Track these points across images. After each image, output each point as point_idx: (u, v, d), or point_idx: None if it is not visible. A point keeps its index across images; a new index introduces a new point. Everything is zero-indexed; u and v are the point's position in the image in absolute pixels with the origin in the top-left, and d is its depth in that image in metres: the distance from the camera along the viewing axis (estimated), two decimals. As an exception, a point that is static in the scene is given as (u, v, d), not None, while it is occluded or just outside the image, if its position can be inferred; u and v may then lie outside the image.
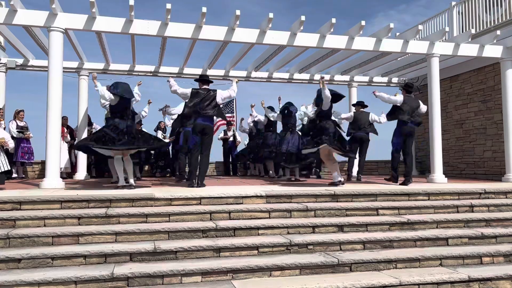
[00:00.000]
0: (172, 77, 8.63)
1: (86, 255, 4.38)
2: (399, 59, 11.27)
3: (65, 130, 10.49)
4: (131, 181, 7.04)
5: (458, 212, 6.21)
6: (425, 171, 12.53)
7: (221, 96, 7.42)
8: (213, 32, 7.82)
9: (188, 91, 7.36)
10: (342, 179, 7.46)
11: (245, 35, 7.96)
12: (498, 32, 8.77)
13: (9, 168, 7.40)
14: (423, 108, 8.08)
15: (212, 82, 7.65)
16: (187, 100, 7.41)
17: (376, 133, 9.64)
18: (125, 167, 7.08)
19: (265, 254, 4.76)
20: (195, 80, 7.72)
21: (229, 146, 12.27)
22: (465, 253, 4.99)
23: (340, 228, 5.42)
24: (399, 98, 7.93)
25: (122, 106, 7.06)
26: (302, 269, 4.50)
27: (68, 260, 4.35)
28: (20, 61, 10.42)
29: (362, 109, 9.61)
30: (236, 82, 7.75)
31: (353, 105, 10.20)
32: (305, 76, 12.05)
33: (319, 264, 4.54)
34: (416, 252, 4.94)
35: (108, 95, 7.09)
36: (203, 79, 7.48)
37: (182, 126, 9.35)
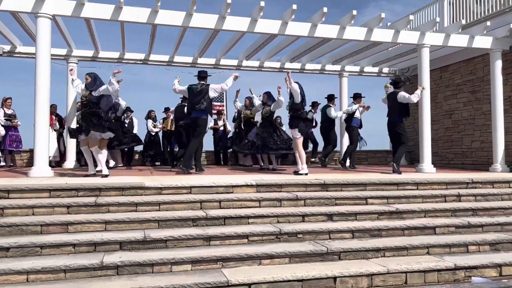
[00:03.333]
0: (165, 67, 8.97)
1: (75, 244, 4.37)
2: (389, 49, 11.27)
3: (54, 118, 10.38)
4: (99, 168, 7.24)
5: (445, 201, 6.29)
6: (414, 161, 12.65)
7: (213, 89, 7.95)
8: (204, 20, 7.75)
9: (185, 88, 8.09)
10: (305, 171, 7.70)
11: (236, 23, 7.90)
12: (488, 23, 8.81)
13: None
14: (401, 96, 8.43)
15: (206, 77, 8.17)
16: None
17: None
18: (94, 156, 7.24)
19: (255, 243, 4.79)
20: (194, 76, 8.27)
21: (219, 135, 12.23)
22: (452, 241, 5.07)
23: (330, 217, 5.47)
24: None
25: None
26: (292, 257, 4.54)
27: (57, 248, 4.33)
28: (7, 47, 10.22)
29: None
30: (234, 78, 7.99)
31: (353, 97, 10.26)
32: (297, 65, 12.01)
33: (308, 252, 4.59)
34: (404, 241, 5.00)
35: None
36: (199, 76, 8.11)
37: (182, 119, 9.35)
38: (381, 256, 4.79)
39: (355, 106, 9.90)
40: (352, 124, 9.92)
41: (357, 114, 9.93)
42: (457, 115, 11.19)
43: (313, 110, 10.92)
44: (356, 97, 10.06)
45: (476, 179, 6.90)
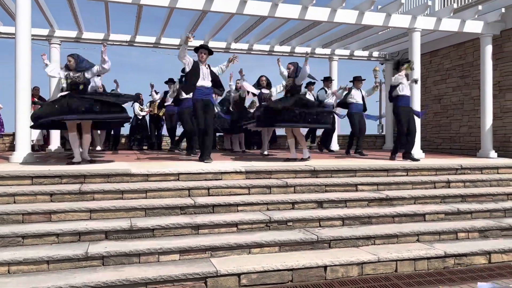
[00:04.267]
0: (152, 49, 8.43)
1: (58, 234, 4.23)
2: (380, 33, 11.14)
3: (37, 101, 10.08)
4: (86, 155, 6.70)
5: (435, 188, 6.28)
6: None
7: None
8: (191, 1, 7.50)
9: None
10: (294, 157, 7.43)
11: (225, 4, 7.67)
12: (480, 7, 8.71)
13: None
14: None
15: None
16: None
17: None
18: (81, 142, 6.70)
19: (244, 231, 4.71)
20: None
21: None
22: (442, 229, 5.06)
23: (320, 204, 5.40)
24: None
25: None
26: (282, 246, 4.48)
27: (39, 238, 4.19)
28: (-14, 27, 9.84)
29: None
30: (231, 61, 7.49)
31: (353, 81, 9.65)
32: (286, 48, 11.81)
33: (298, 241, 4.52)
34: (394, 228, 4.97)
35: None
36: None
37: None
38: (372, 244, 4.76)
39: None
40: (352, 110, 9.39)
41: (352, 99, 9.42)
42: (446, 100, 11.18)
43: (309, 92, 10.64)
44: (356, 80, 9.44)
45: (465, 165, 6.89)
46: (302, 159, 7.29)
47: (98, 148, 10.30)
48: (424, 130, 11.36)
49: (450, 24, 8.99)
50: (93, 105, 6.13)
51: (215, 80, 7.16)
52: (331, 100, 9.97)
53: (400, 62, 7.98)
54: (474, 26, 9.06)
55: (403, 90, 7.75)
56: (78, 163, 6.32)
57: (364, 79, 9.53)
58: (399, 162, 7.13)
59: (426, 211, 5.43)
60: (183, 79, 8.14)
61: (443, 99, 11.29)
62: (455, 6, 8.77)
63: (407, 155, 7.73)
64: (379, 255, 4.37)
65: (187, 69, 6.94)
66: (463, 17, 9.00)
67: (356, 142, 9.51)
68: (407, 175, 6.56)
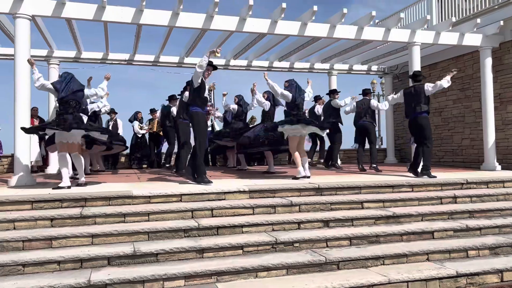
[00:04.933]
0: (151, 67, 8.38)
1: (60, 261, 4.11)
2: (378, 47, 11.16)
3: (35, 121, 10.00)
4: (82, 179, 6.35)
5: (442, 203, 6.18)
6: (404, 158, 12.60)
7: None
8: (191, 20, 7.50)
9: None
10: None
11: (224, 22, 7.67)
12: (478, 20, 8.74)
13: None
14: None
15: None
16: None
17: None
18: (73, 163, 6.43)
19: (250, 254, 4.60)
20: None
21: (208, 135, 11.96)
22: (451, 247, 4.95)
23: (326, 223, 5.30)
24: None
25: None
26: (289, 268, 4.36)
27: (40, 266, 4.07)
28: (-16, 49, 9.82)
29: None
30: (212, 53, 6.49)
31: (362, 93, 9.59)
32: (285, 64, 11.83)
33: (306, 263, 4.41)
34: (403, 247, 4.86)
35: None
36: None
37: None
38: (381, 264, 4.64)
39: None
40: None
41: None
42: (447, 112, 11.15)
43: (319, 106, 10.48)
44: (366, 93, 9.41)
45: (470, 179, 6.81)
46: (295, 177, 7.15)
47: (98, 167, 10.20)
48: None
49: (449, 38, 9.01)
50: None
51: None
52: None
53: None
54: (473, 39, 9.08)
55: None
56: (68, 187, 5.95)
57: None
58: (404, 178, 7.05)
59: (434, 229, 5.32)
60: (182, 95, 8.02)
61: (443, 112, 11.26)
62: (454, 19, 8.79)
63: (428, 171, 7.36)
64: (390, 276, 4.26)
65: (196, 84, 6.57)
66: (462, 31, 9.02)
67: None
68: (412, 191, 6.47)
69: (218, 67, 7.74)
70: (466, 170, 9.13)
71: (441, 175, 7.44)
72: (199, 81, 6.55)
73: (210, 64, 6.69)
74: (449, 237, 5.34)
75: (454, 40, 9.05)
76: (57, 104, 6.42)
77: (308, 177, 7.13)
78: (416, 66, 8.83)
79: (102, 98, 8.52)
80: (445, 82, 7.67)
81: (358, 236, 5.03)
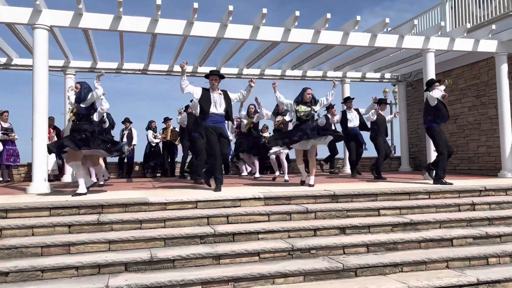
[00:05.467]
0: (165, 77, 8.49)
1: (78, 267, 4.13)
2: (391, 55, 11.13)
3: (52, 131, 10.15)
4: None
5: (460, 211, 6.08)
6: (419, 166, 12.46)
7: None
8: (205, 29, 7.58)
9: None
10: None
11: (238, 31, 7.74)
12: (494, 26, 8.66)
13: None
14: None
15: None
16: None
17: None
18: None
19: (266, 260, 4.57)
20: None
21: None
22: (471, 254, 4.86)
23: (342, 230, 5.25)
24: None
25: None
26: (306, 275, 4.32)
27: (59, 272, 4.09)
28: (3, 60, 10.02)
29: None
30: (251, 86, 6.88)
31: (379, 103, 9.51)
32: (298, 72, 11.85)
33: (324, 270, 4.36)
34: (421, 255, 4.79)
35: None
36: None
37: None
38: (399, 272, 4.57)
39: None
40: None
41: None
42: (462, 119, 11.03)
43: (329, 115, 10.46)
44: (381, 103, 9.37)
45: (489, 186, 6.71)
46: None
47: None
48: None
49: (464, 44, 8.94)
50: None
51: (226, 111, 6.79)
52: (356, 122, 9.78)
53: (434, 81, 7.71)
54: (488, 45, 9.00)
55: None
56: (85, 194, 6.03)
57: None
58: (421, 185, 6.96)
59: (453, 236, 5.23)
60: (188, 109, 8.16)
61: (458, 119, 11.14)
62: (468, 26, 8.74)
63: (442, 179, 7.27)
64: (409, 284, 4.18)
65: (196, 98, 6.74)
66: (476, 37, 8.96)
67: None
68: (429, 198, 6.39)
69: (226, 76, 7.77)
70: (483, 177, 8.99)
71: (458, 182, 7.34)
72: (198, 95, 6.67)
73: (214, 73, 6.79)
74: (469, 245, 5.24)
75: (469, 46, 8.98)
76: (71, 115, 6.48)
77: (312, 185, 7.03)
78: (431, 73, 8.76)
79: (102, 98, 8.23)
80: (438, 92, 7.40)
81: (376, 243, 4.97)
